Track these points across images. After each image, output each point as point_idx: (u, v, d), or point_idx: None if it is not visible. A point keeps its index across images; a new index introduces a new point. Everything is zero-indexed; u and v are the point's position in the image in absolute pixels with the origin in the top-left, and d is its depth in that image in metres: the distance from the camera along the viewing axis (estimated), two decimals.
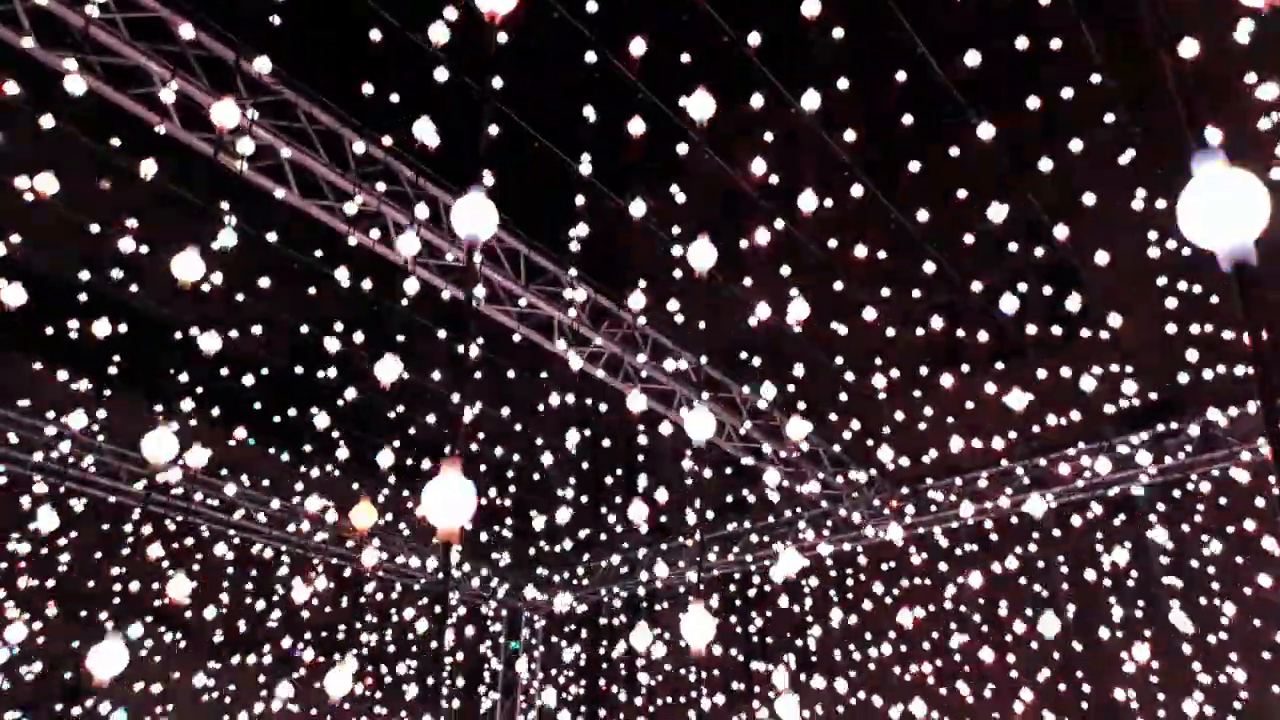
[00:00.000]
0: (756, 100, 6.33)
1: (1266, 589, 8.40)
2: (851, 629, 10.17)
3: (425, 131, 5.12)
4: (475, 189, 1.84)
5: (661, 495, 8.45)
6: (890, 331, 7.98)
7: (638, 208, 6.33)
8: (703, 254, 3.23)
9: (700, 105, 3.36)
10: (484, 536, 10.63)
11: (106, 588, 7.86)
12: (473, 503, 1.12)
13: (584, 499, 10.66)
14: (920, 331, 8.50)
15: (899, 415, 9.13)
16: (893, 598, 9.57)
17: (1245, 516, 8.69)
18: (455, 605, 11.70)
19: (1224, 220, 0.94)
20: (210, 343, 4.61)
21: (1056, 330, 9.00)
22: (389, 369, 4.38)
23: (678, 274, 7.33)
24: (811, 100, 5.60)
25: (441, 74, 5.87)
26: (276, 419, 8.60)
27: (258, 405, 8.78)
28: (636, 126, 5.69)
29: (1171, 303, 8.02)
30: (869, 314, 7.09)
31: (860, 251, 7.18)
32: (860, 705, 9.81)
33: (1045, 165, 6.77)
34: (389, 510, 10.62)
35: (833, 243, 7.58)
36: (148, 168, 5.39)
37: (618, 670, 12.11)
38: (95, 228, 6.89)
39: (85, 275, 7.59)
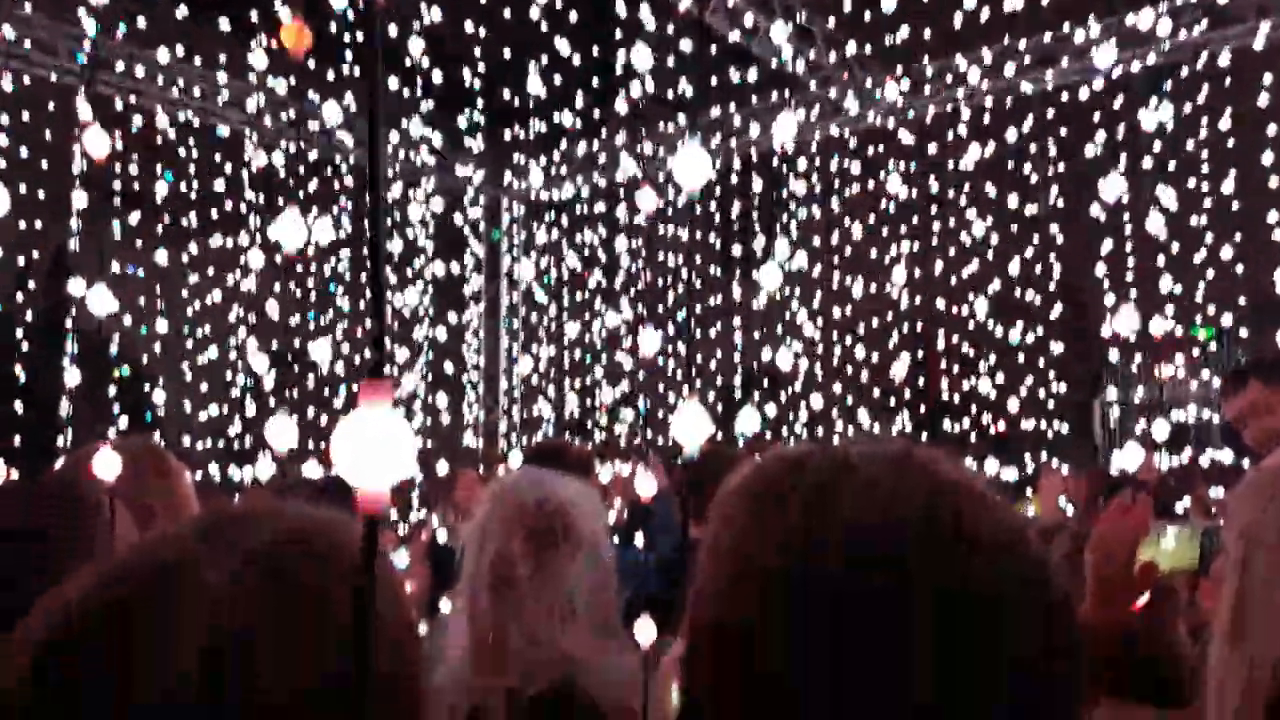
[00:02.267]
0: None
1: (1263, 168, 8.19)
2: (834, 213, 10.07)
3: None
4: None
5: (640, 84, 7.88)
6: None
7: None
8: None
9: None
10: (462, 122, 10.12)
11: (64, 170, 7.47)
12: None
13: (558, 79, 10.04)
14: None
15: None
16: (878, 181, 9.34)
17: (1255, 95, 8.27)
18: (431, 191, 11.45)
19: None
20: None
21: None
22: None
23: None
24: None
25: None
26: None
27: None
28: None
29: None
30: None
31: None
32: (838, 285, 9.97)
33: None
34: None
35: None
36: None
37: (597, 255, 12.19)
38: None
39: None
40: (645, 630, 1.43)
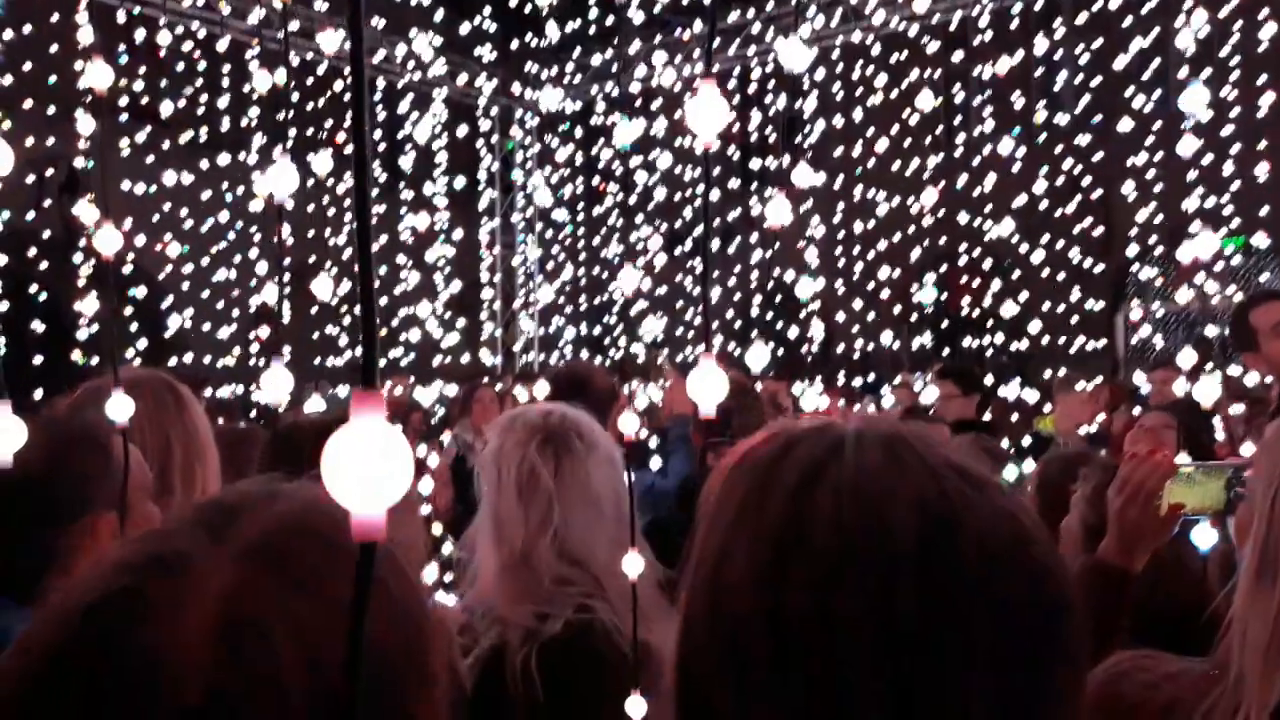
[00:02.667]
0: None
1: None
2: (856, 124, 9.82)
3: None
4: None
5: None
6: None
7: None
8: None
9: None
10: (464, 29, 9.87)
11: (70, 80, 7.34)
12: None
13: None
14: None
15: None
16: (902, 90, 9.07)
17: None
18: (441, 103, 11.22)
19: None
20: None
21: None
22: None
23: None
24: None
25: None
26: None
27: None
28: None
29: None
30: None
31: None
32: (861, 200, 9.79)
33: None
34: None
35: None
36: None
37: (613, 169, 12.00)
38: None
39: None
40: (632, 564, 1.42)
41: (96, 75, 1.78)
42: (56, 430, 1.72)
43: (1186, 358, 3.36)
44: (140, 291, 8.71)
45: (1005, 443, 4.93)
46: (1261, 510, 1.38)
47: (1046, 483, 2.74)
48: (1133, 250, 8.82)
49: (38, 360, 7.98)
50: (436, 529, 3.63)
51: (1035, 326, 8.68)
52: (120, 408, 1.46)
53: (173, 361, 8.67)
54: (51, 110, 8.76)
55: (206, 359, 9.62)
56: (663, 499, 3.65)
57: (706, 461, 3.36)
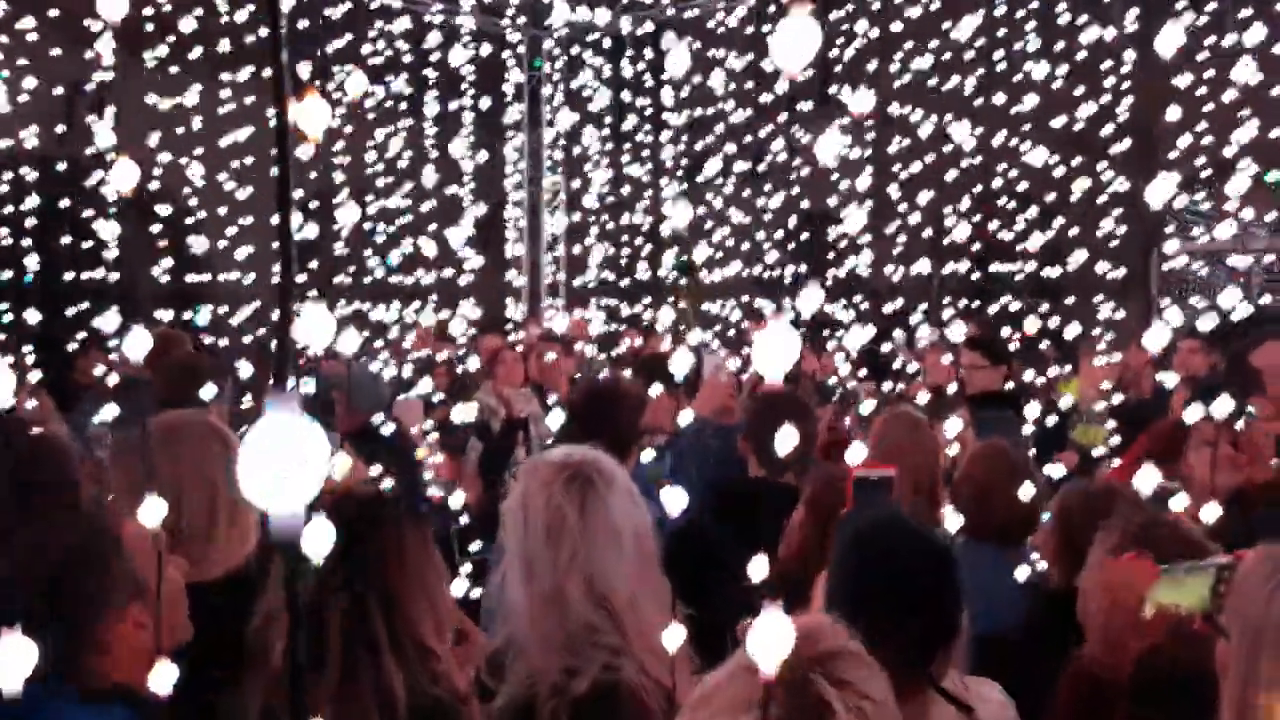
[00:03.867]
0: None
1: None
2: (892, 39, 9.45)
3: None
4: None
5: None
6: None
7: None
8: None
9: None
10: None
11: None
12: None
13: None
14: None
15: None
16: (944, 3, 8.69)
17: None
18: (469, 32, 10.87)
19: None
20: None
21: None
22: None
23: None
24: None
25: None
26: None
27: None
28: None
29: None
30: None
31: None
32: (894, 119, 9.49)
33: None
34: None
35: None
36: None
37: (643, 84, 11.66)
38: None
39: None
40: (674, 636, 1.42)
41: (108, 6, 1.71)
42: (61, 540, 1.80)
43: (1229, 297, 3.25)
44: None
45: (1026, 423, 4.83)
46: (1236, 669, 1.42)
47: (1066, 517, 2.76)
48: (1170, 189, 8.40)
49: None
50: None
51: (1069, 250, 8.42)
52: (152, 511, 1.49)
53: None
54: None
55: (223, 277, 9.58)
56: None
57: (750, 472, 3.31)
